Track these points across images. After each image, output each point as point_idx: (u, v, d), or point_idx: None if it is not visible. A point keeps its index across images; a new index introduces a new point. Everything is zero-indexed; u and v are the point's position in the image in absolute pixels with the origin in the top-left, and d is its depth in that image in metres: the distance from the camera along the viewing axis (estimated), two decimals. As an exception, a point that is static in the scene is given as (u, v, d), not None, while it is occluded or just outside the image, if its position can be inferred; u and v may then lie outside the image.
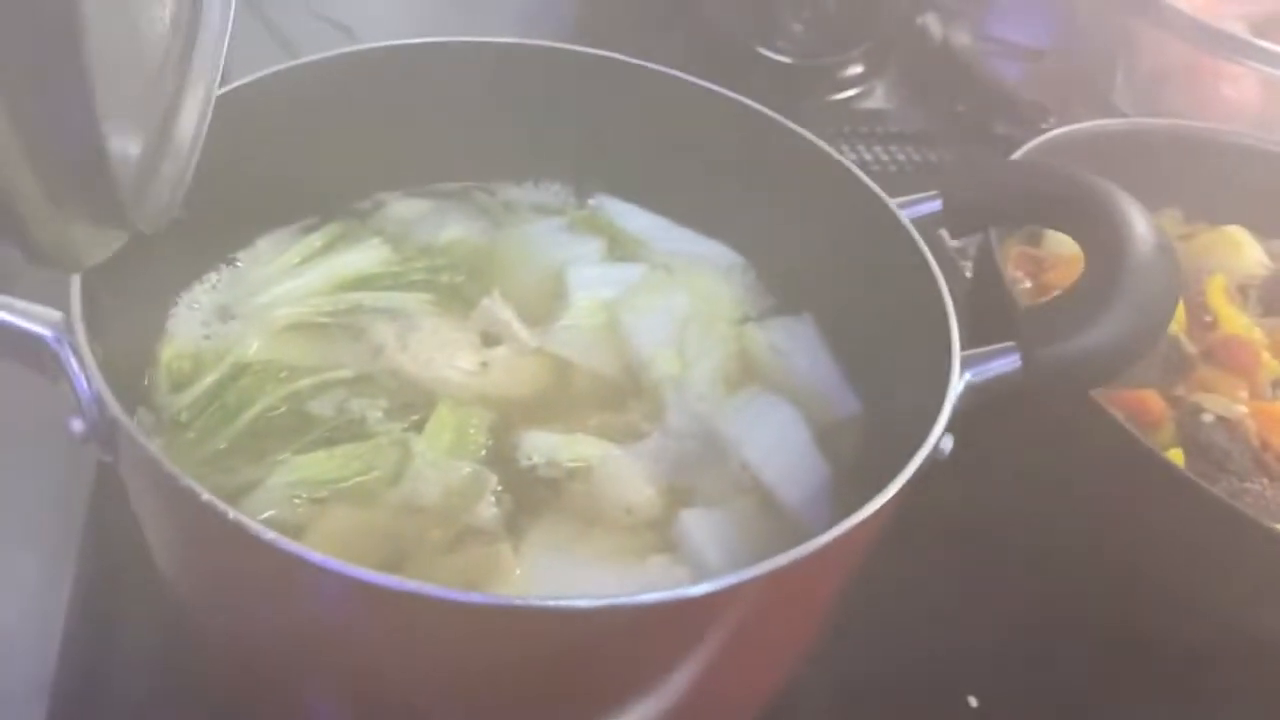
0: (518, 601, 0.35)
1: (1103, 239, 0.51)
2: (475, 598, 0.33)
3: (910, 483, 0.47)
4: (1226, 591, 0.68)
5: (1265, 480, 0.73)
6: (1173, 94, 1.36)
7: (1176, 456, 0.72)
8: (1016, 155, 0.91)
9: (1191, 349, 0.79)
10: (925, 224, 0.61)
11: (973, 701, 0.76)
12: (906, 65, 1.59)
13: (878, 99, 1.57)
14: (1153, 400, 0.77)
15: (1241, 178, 1.01)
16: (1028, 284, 0.92)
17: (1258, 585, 0.64)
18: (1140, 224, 0.51)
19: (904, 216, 0.58)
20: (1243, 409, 0.75)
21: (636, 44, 1.39)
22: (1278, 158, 1.00)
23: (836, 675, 0.76)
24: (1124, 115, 1.42)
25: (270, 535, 0.34)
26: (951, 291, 0.56)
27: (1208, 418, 0.74)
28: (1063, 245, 0.93)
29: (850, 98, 1.50)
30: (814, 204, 0.65)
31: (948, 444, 0.50)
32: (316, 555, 0.34)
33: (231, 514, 0.35)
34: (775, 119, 0.68)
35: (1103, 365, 0.49)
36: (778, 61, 1.25)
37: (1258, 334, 0.84)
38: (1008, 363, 0.50)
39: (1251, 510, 0.71)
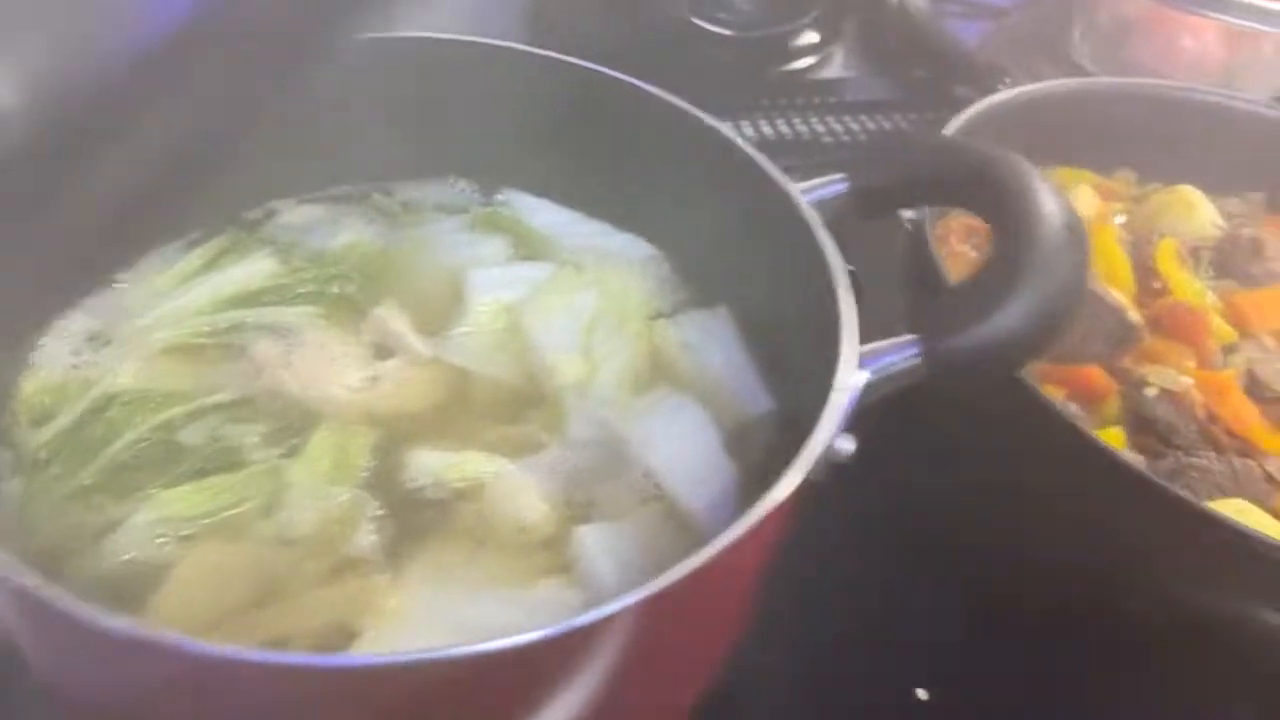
0: (316, 661, 0.32)
1: (1007, 221, 0.48)
2: (285, 659, 0.31)
3: (805, 486, 0.45)
4: (1164, 572, 0.65)
5: (1212, 453, 0.70)
6: (1133, 48, 1.32)
7: (1112, 436, 0.69)
8: (959, 121, 0.88)
9: (1136, 319, 0.76)
10: (835, 207, 0.58)
11: (922, 694, 0.74)
12: (864, 31, 1.54)
13: (835, 68, 1.53)
14: (1096, 375, 0.74)
15: (1196, 135, 0.98)
16: (972, 255, 0.89)
17: (1193, 565, 0.61)
18: (1048, 203, 0.48)
19: (802, 201, 0.55)
20: (1188, 380, 0.72)
21: (578, 28, 1.37)
22: (1232, 112, 0.97)
23: (783, 674, 0.74)
24: (1086, 72, 1.38)
25: (63, 603, 0.31)
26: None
27: (1151, 391, 0.71)
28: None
29: (805, 68, 1.46)
30: (719, 191, 0.62)
31: (847, 445, 0.48)
32: (113, 621, 0.31)
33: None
34: (674, 103, 0.65)
35: (1005, 356, 0.46)
36: (720, 35, 1.21)
37: (1209, 299, 0.81)
38: (907, 357, 0.47)
39: (1196, 485, 0.68)
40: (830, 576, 0.78)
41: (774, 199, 0.57)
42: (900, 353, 0.47)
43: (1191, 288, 0.81)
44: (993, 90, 1.25)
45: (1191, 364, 0.75)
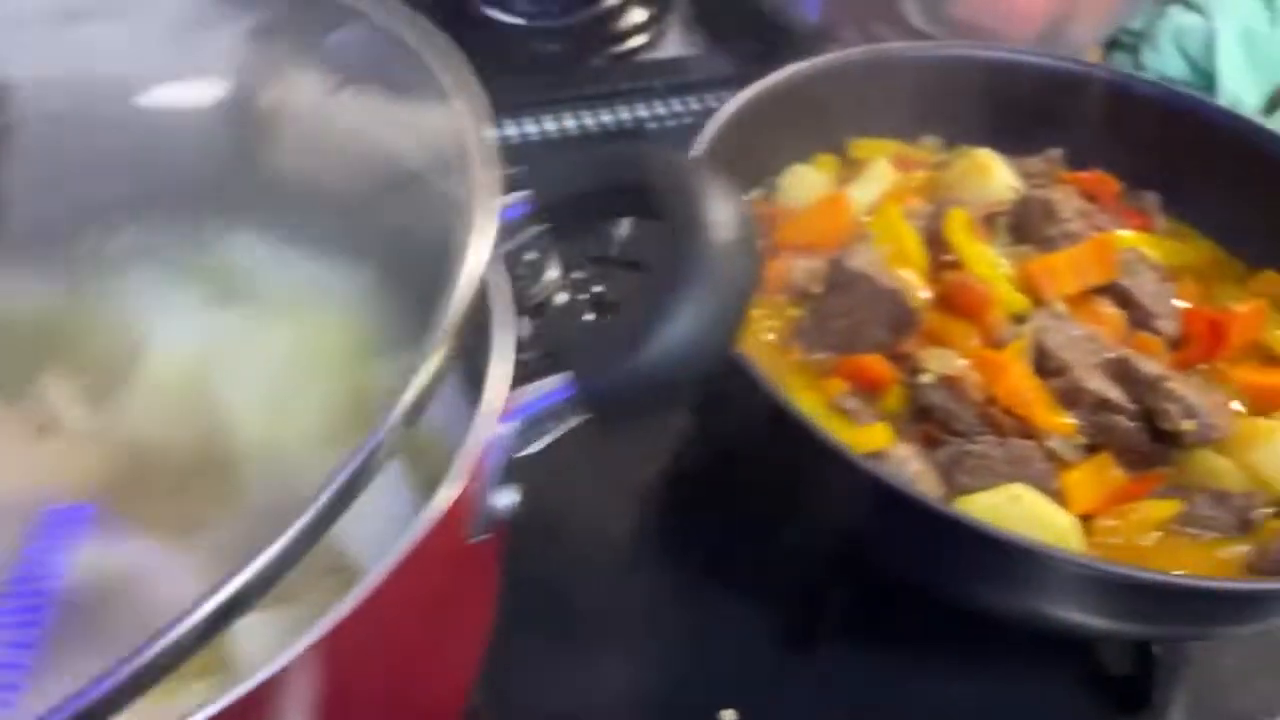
0: None
1: (670, 234, 0.43)
2: None
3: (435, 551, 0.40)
4: (928, 573, 0.62)
5: (991, 437, 0.67)
6: (959, 2, 1.29)
7: (878, 432, 0.66)
8: (737, 102, 0.84)
9: (914, 302, 0.72)
10: (524, 228, 0.53)
11: (728, 716, 0.70)
12: (698, 4, 1.49)
13: (671, 46, 1.48)
14: (874, 365, 0.71)
15: (998, 93, 0.94)
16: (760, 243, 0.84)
17: (935, 558, 0.58)
18: (716, 212, 0.43)
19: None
20: (963, 363, 0.68)
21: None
22: (1030, 67, 0.94)
23: (583, 704, 0.70)
24: (920, 31, 1.35)
25: None
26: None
27: (926, 378, 0.68)
28: (793, 195, 0.87)
29: (634, 50, 1.41)
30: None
31: (506, 499, 0.43)
32: None
33: None
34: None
35: (664, 383, 0.42)
36: (513, 25, 1.15)
37: (1003, 269, 0.78)
38: (557, 400, 0.42)
39: (975, 472, 0.65)
40: (617, 609, 0.74)
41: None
42: (550, 397, 0.42)
43: (983, 258, 0.78)
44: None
45: (977, 342, 0.72)
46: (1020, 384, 0.67)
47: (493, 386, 0.42)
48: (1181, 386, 0.66)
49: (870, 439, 0.65)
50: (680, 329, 0.41)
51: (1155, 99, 0.91)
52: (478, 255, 0.43)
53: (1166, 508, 0.67)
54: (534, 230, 0.50)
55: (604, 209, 0.49)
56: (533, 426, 0.42)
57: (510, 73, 1.24)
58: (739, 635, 0.72)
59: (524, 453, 0.42)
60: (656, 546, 0.80)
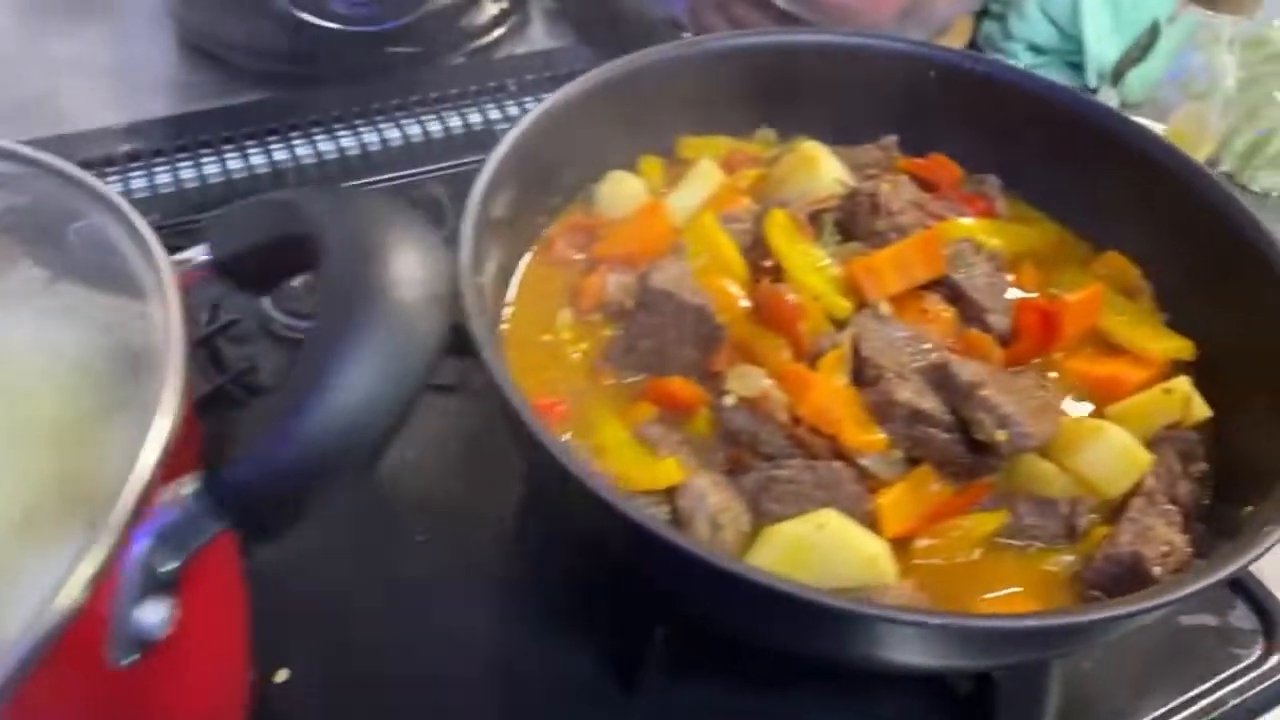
0: None
1: (332, 293, 0.38)
2: None
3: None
4: (724, 615, 0.58)
5: (798, 460, 0.62)
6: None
7: (669, 467, 0.61)
8: (550, 101, 0.78)
9: (722, 317, 0.67)
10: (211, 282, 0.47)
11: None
12: (557, -3, 1.43)
13: (535, 38, 1.42)
14: (680, 388, 0.66)
15: (832, 80, 0.90)
16: (578, 257, 0.79)
17: (720, 603, 0.53)
18: (392, 265, 0.38)
19: (168, 280, 0.45)
20: (766, 382, 0.64)
21: (231, 42, 1.23)
22: (866, 50, 0.89)
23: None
24: (786, 14, 1.30)
25: None
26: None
27: (729, 400, 0.63)
28: (615, 205, 0.82)
29: (492, 45, 1.35)
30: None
31: (154, 615, 0.38)
32: None
33: None
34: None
35: (315, 474, 0.36)
36: (332, 30, 1.08)
37: (824, 272, 0.73)
38: (189, 511, 0.37)
39: (783, 499, 0.61)
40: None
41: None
42: (178, 507, 0.37)
43: (805, 262, 0.73)
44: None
45: (789, 355, 0.68)
46: (825, 400, 0.62)
47: (130, 490, 0.36)
48: (996, 393, 0.62)
49: (662, 474, 0.60)
50: (339, 403, 0.36)
51: (996, 80, 0.86)
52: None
53: (990, 521, 0.63)
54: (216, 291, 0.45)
55: (276, 264, 0.44)
56: (171, 538, 0.37)
57: (341, 81, 1.18)
58: (575, 674, 0.68)
59: (170, 566, 0.37)
60: (494, 588, 0.75)
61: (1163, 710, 0.70)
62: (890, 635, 0.51)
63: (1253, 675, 0.74)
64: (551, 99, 0.78)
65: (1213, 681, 0.73)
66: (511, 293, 0.76)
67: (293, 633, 0.66)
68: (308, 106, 1.14)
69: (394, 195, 1.00)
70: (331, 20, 1.05)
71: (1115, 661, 0.74)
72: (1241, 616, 0.77)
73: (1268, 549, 0.54)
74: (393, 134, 1.12)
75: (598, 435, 0.64)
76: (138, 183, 1.04)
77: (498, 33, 1.34)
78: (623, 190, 0.81)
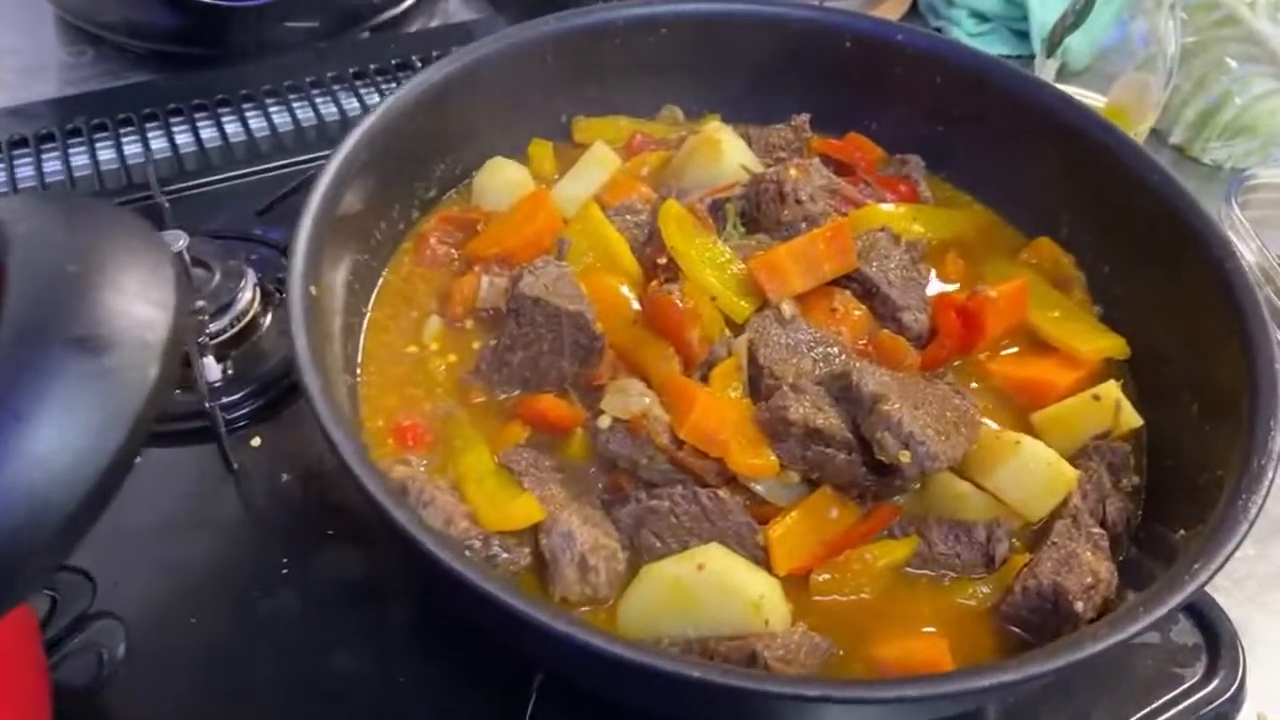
0: None
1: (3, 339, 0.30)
2: None
3: None
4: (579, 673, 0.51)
5: (678, 489, 0.55)
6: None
7: (525, 507, 0.53)
8: (421, 78, 0.70)
9: (601, 326, 0.60)
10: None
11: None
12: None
13: (450, 11, 1.32)
14: (552, 407, 0.59)
15: (749, 55, 0.81)
16: (452, 254, 0.72)
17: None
18: (93, 307, 0.30)
19: None
20: (646, 400, 0.56)
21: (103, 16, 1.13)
22: (775, 21, 0.80)
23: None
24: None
25: None
26: None
27: (604, 421, 0.56)
28: (495, 196, 0.74)
29: (400, 18, 1.25)
30: None
31: None
32: None
33: None
34: None
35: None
36: (218, 6, 0.98)
37: (726, 269, 0.66)
38: None
39: (663, 533, 0.54)
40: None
41: None
42: None
43: (703, 257, 0.66)
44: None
45: (678, 365, 0.60)
46: (708, 419, 0.55)
47: None
48: (901, 407, 0.55)
49: (519, 513, 0.53)
50: (13, 477, 0.28)
51: (918, 51, 0.78)
52: None
53: (898, 549, 0.56)
54: None
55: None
56: None
57: (233, 61, 1.08)
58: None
59: None
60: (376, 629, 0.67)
61: (1103, 737, 0.64)
62: (766, 706, 0.44)
63: (1196, 697, 0.68)
64: (417, 79, 0.70)
65: (1154, 705, 0.67)
66: (375, 297, 0.68)
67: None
68: (188, 89, 1.04)
69: (278, 185, 0.91)
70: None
71: (1052, 684, 0.68)
72: (1184, 632, 0.71)
73: (1200, 587, 0.47)
74: (282, 119, 1.03)
75: (460, 462, 0.57)
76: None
77: (406, 4, 1.24)
78: (503, 179, 0.73)
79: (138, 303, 0.31)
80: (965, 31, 1.24)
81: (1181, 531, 0.54)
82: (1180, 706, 0.66)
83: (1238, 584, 0.72)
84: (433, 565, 0.43)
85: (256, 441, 0.72)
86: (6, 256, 0.31)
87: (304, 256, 0.55)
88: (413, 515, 0.46)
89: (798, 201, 0.69)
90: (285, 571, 0.66)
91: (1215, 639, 0.69)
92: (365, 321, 0.66)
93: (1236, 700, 0.65)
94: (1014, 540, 0.58)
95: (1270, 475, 0.51)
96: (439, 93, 0.70)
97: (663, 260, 0.67)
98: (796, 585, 0.55)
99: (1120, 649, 0.47)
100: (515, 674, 0.59)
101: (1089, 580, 0.53)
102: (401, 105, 0.67)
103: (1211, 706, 0.66)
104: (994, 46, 1.23)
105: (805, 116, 0.78)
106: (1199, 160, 1.09)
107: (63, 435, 0.29)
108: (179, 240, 0.72)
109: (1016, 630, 0.55)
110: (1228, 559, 0.48)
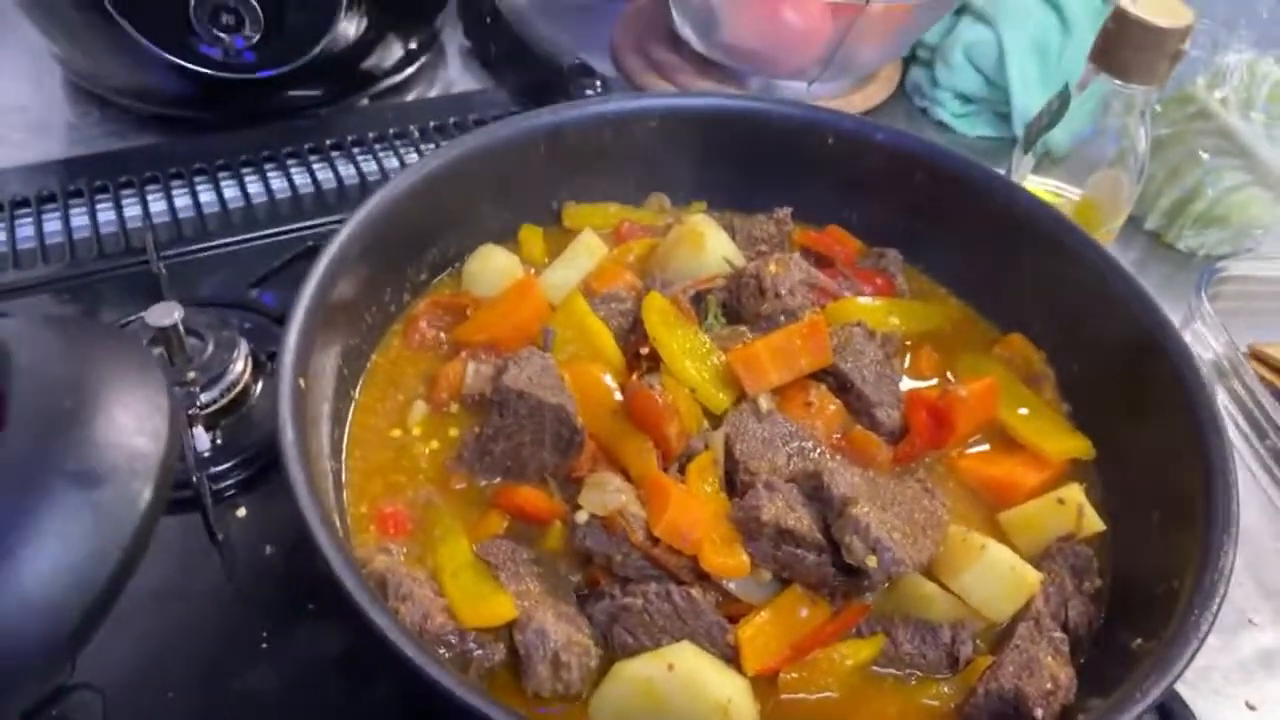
0: None
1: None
2: None
3: None
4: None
5: (651, 586, 0.57)
6: (730, 26, 1.19)
7: (498, 606, 0.55)
8: (421, 166, 0.72)
9: (582, 420, 0.62)
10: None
11: None
12: (475, 37, 1.37)
13: (450, 80, 1.35)
14: (531, 498, 0.60)
15: (735, 147, 0.84)
16: (441, 338, 0.73)
17: None
18: (90, 436, 0.32)
19: None
20: (623, 497, 0.58)
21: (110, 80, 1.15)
22: (765, 116, 0.83)
23: None
24: (702, 56, 1.25)
25: None
26: None
27: (581, 517, 0.58)
28: (484, 281, 0.76)
29: (402, 86, 1.28)
30: None
31: None
32: None
33: None
34: None
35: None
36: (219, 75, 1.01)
37: (707, 361, 0.68)
38: None
39: (636, 630, 0.55)
40: None
41: None
42: None
43: (684, 348, 0.68)
44: (581, 95, 1.11)
45: (656, 458, 0.62)
46: (683, 518, 0.56)
47: None
48: (870, 511, 0.56)
49: (494, 610, 0.54)
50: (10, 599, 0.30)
51: (898, 149, 0.81)
52: None
53: (865, 649, 0.58)
54: None
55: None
56: None
57: (236, 126, 1.11)
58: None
59: None
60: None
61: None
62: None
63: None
64: (414, 167, 0.72)
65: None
66: (363, 381, 0.70)
67: None
68: (189, 153, 1.07)
69: (274, 253, 0.93)
70: (207, 66, 0.98)
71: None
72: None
73: (1150, 706, 0.49)
74: (280, 184, 1.05)
75: (438, 553, 0.58)
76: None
77: (407, 73, 1.27)
78: (493, 266, 0.75)
79: (131, 435, 0.33)
80: (950, 112, 1.28)
81: (1139, 640, 0.55)
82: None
83: (1202, 675, 0.73)
84: (409, 669, 0.44)
85: (242, 512, 0.73)
86: (8, 383, 0.33)
87: (294, 351, 0.57)
88: (390, 616, 0.47)
89: (777, 295, 0.71)
90: (265, 646, 0.67)
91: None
92: (352, 406, 0.68)
93: (1201, 794, 0.66)
94: (978, 641, 0.59)
95: (1221, 592, 0.52)
96: (434, 181, 0.72)
97: (645, 350, 0.69)
98: (765, 682, 0.56)
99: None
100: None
101: (1049, 686, 0.54)
102: (397, 194, 0.69)
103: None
104: (977, 128, 1.27)
105: (787, 210, 0.81)
106: (1173, 247, 1.12)
107: (55, 568, 0.31)
108: (173, 313, 0.74)
109: (977, 732, 0.57)
110: (1179, 675, 0.50)
